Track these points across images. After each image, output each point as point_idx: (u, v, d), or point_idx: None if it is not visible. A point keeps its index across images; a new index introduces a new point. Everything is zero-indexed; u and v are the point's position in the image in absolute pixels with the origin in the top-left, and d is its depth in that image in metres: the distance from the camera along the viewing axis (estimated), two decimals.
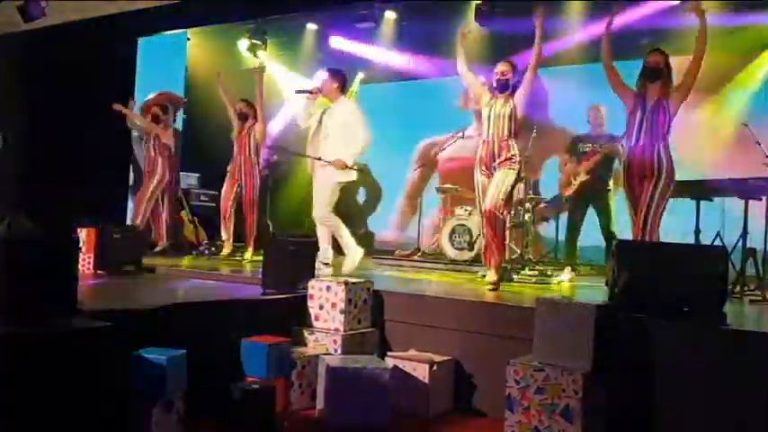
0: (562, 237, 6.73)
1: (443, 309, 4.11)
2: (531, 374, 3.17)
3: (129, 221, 7.65)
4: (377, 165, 10.03)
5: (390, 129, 9.87)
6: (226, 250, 6.63)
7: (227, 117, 6.93)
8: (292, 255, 4.36)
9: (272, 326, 3.84)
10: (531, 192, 7.02)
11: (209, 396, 3.25)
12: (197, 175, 8.58)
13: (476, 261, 7.11)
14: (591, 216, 5.98)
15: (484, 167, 4.88)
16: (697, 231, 5.17)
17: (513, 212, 7.07)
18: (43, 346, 2.57)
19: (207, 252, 6.88)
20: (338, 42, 9.14)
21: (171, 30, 8.67)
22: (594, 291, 5.07)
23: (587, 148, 5.88)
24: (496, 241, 4.84)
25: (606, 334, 3.18)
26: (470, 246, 7.22)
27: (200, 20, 8.28)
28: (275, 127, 9.23)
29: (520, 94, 4.80)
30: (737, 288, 4.80)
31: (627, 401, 3.29)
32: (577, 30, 7.81)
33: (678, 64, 4.62)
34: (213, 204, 7.99)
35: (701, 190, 5.24)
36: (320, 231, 5.41)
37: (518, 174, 4.87)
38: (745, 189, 4.94)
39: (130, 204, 9.42)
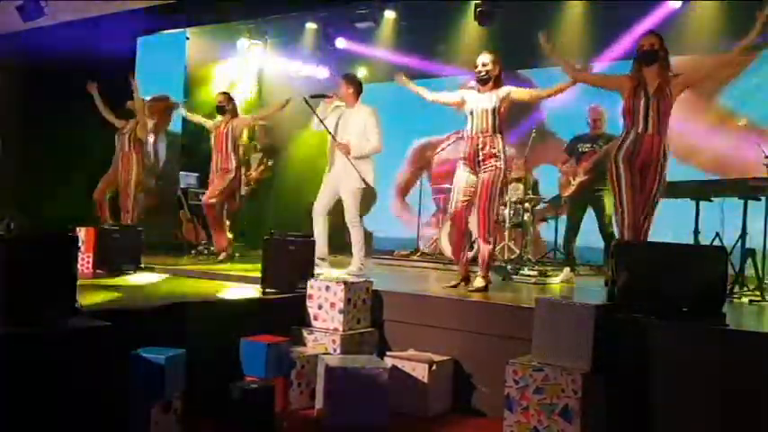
0: (561, 237, 6.75)
1: (443, 308, 4.11)
2: (531, 374, 3.17)
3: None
4: (377, 164, 10.05)
5: (387, 128, 9.91)
6: (223, 255, 6.28)
7: None
8: (291, 254, 4.35)
9: (271, 325, 3.84)
10: (530, 192, 7.02)
11: (207, 396, 3.25)
12: (196, 174, 8.57)
13: (475, 261, 7.11)
14: (590, 216, 5.99)
15: (467, 164, 4.62)
16: (696, 232, 5.17)
17: (513, 212, 7.08)
18: (42, 345, 2.57)
19: (206, 252, 6.87)
20: (343, 43, 9.14)
21: (170, 29, 8.66)
22: (594, 291, 5.07)
23: (586, 149, 5.89)
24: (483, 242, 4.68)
25: (605, 334, 3.18)
26: (470, 246, 7.22)
27: (199, 19, 8.27)
28: None
29: (509, 92, 4.57)
30: (737, 288, 4.80)
31: (626, 401, 3.29)
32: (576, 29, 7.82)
33: (680, 64, 4.56)
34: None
35: (700, 190, 5.24)
36: (317, 228, 5.42)
37: (504, 171, 4.64)
38: (745, 189, 4.94)
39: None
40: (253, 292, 4.32)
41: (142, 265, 5.38)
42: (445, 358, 3.87)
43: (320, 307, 4.08)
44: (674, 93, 4.14)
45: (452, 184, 4.75)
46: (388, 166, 9.59)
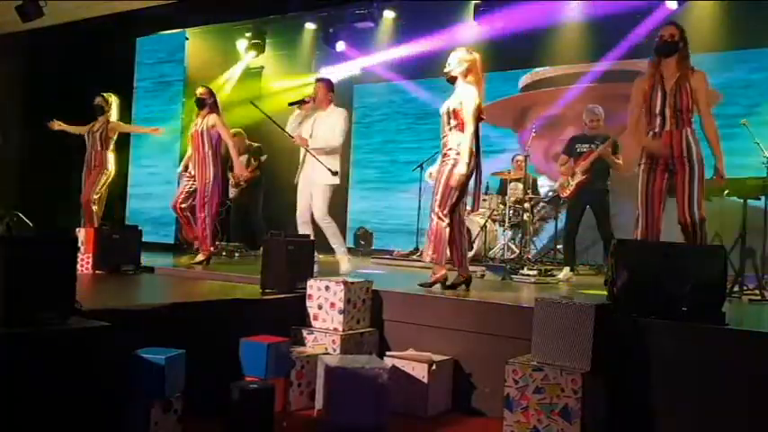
0: (560, 237, 6.75)
1: (442, 308, 4.11)
2: (530, 374, 3.17)
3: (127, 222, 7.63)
4: (374, 164, 10.06)
5: (387, 128, 9.92)
6: (200, 256, 5.97)
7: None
8: (291, 254, 4.35)
9: (271, 326, 3.84)
10: (530, 191, 7.03)
11: (207, 396, 3.25)
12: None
13: (474, 260, 7.12)
14: (589, 216, 5.98)
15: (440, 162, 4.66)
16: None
17: (512, 212, 7.09)
18: (41, 345, 2.57)
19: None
20: (343, 47, 9.15)
21: (170, 29, 8.67)
22: (593, 290, 5.07)
23: (584, 149, 5.89)
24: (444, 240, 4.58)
25: (605, 334, 3.18)
26: (469, 245, 7.22)
27: (198, 20, 8.28)
28: None
29: (467, 92, 4.49)
30: (736, 288, 4.80)
31: (625, 401, 3.29)
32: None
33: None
34: None
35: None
36: (303, 231, 5.41)
37: (458, 167, 4.42)
38: (744, 189, 4.94)
39: (129, 204, 9.45)
40: (252, 292, 4.32)
41: (142, 265, 5.38)
42: (445, 358, 3.87)
43: (320, 307, 4.08)
44: (694, 89, 4.02)
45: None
46: (393, 167, 9.65)
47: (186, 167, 6.12)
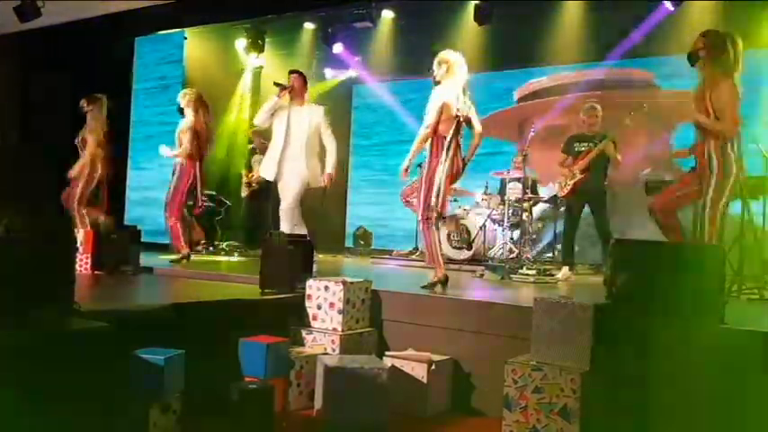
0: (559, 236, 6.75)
1: (442, 308, 4.11)
2: (529, 374, 3.17)
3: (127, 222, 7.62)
4: (374, 164, 10.06)
5: (386, 128, 9.92)
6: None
7: (225, 116, 6.89)
8: (290, 254, 4.35)
9: (271, 326, 3.84)
10: (528, 191, 7.03)
11: (207, 396, 3.25)
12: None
13: (474, 260, 7.13)
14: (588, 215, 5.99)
15: None
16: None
17: (511, 211, 7.09)
18: (41, 346, 2.57)
19: (204, 252, 6.87)
20: (340, 48, 9.16)
21: (168, 29, 8.67)
22: (592, 290, 5.08)
23: (583, 148, 5.88)
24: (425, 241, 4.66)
25: (604, 333, 3.18)
26: (469, 245, 7.24)
27: (197, 19, 8.28)
28: None
29: (436, 91, 4.56)
30: (735, 287, 4.80)
31: (624, 401, 3.29)
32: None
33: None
34: (212, 204, 8.00)
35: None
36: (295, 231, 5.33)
37: (444, 164, 4.46)
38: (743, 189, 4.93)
39: (129, 204, 9.44)
40: (252, 292, 4.32)
41: (141, 266, 5.37)
42: (444, 358, 3.87)
43: (319, 307, 4.08)
44: (710, 98, 4.02)
45: None
46: (392, 166, 9.63)
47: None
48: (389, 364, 3.72)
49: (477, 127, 4.59)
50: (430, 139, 4.53)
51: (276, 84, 5.65)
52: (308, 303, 4.13)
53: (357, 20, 8.69)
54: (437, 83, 4.62)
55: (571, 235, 5.94)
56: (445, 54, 4.63)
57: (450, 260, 7.07)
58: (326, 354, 3.88)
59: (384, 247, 8.83)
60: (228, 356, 3.40)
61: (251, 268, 5.21)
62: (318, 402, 3.75)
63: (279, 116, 5.55)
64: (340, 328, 3.97)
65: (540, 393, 3.14)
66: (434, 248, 4.56)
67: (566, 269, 5.87)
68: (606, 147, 5.72)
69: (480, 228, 7.29)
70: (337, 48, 9.11)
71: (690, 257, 3.46)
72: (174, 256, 6.00)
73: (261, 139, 7.79)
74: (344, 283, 4.03)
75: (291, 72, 5.77)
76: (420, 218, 4.56)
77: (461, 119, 4.53)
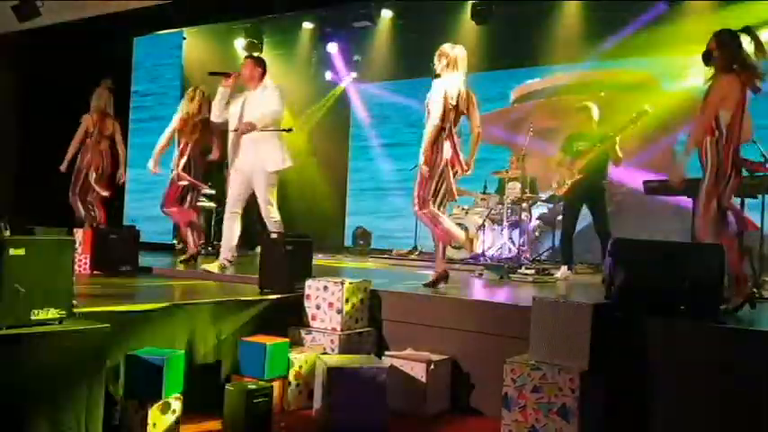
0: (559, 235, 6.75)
1: (441, 308, 4.12)
2: (528, 373, 3.17)
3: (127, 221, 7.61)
4: (373, 163, 10.07)
5: (386, 128, 9.92)
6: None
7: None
8: (289, 254, 4.35)
9: (270, 326, 3.84)
10: (528, 191, 7.03)
11: (206, 396, 3.26)
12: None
13: (473, 259, 7.13)
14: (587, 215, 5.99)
15: None
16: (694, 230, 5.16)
17: (510, 211, 7.10)
18: (40, 347, 2.57)
19: (204, 252, 6.86)
20: (335, 48, 9.16)
21: (167, 29, 8.66)
22: (591, 289, 5.08)
23: (582, 147, 5.88)
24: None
25: (602, 332, 3.19)
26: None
27: (196, 19, 8.28)
28: None
29: (437, 84, 4.53)
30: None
31: (624, 400, 3.29)
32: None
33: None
34: (212, 204, 8.00)
35: (696, 188, 5.22)
36: (231, 228, 5.18)
37: (426, 164, 4.47)
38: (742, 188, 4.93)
39: (128, 204, 9.45)
40: (251, 292, 4.32)
41: (139, 266, 5.37)
42: (443, 357, 3.87)
43: (318, 307, 4.08)
44: (716, 96, 3.95)
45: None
46: (391, 166, 9.65)
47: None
48: (389, 364, 3.72)
49: (476, 123, 4.59)
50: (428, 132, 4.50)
51: (213, 73, 5.34)
52: (307, 303, 4.13)
53: (356, 19, 8.70)
54: (437, 76, 4.61)
55: (569, 234, 5.94)
56: (446, 48, 4.64)
57: (449, 260, 7.08)
58: (326, 354, 3.88)
59: (383, 246, 8.84)
60: (228, 356, 3.41)
61: (250, 268, 5.21)
62: (318, 402, 3.75)
63: (234, 105, 5.16)
64: (339, 328, 3.98)
65: (539, 393, 3.14)
66: (444, 228, 4.53)
67: (564, 268, 5.87)
68: (607, 145, 5.71)
69: (479, 227, 7.30)
70: (330, 49, 9.12)
71: (689, 256, 3.47)
72: (182, 257, 5.97)
73: None
74: (344, 282, 4.04)
75: (246, 57, 5.46)
76: (417, 209, 4.55)
77: (459, 112, 4.54)
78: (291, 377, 3.70)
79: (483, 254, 7.22)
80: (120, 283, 4.82)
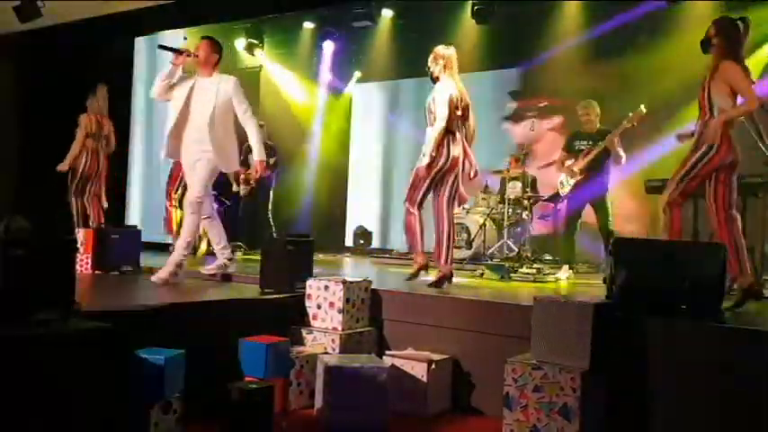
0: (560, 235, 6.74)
1: (441, 307, 4.12)
2: (529, 373, 3.17)
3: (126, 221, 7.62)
4: (373, 163, 10.06)
5: (385, 127, 9.92)
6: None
7: None
8: (290, 254, 4.35)
9: (271, 325, 3.84)
10: (528, 190, 7.03)
11: (207, 396, 3.25)
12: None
13: (474, 259, 7.13)
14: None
15: None
16: (695, 230, 5.16)
17: (510, 211, 7.10)
18: (41, 347, 2.57)
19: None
20: (331, 47, 9.16)
21: (168, 29, 8.65)
22: (592, 288, 5.08)
23: (584, 146, 5.87)
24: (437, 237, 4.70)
25: (604, 332, 3.19)
26: (468, 244, 7.24)
27: (197, 19, 8.27)
28: None
29: (441, 86, 4.60)
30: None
31: (625, 399, 3.30)
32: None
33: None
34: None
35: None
36: (194, 224, 4.68)
37: (422, 161, 4.55)
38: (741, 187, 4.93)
39: (128, 204, 9.45)
40: (252, 292, 4.32)
41: (141, 266, 5.37)
42: (444, 357, 3.88)
43: (319, 306, 4.08)
44: (716, 81, 3.96)
45: None
46: (390, 165, 9.64)
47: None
48: (389, 364, 3.72)
49: (472, 123, 4.63)
50: (428, 133, 4.56)
51: (162, 47, 4.74)
52: (307, 303, 4.13)
53: (357, 19, 8.70)
54: (436, 78, 4.66)
55: (571, 233, 5.93)
56: (440, 49, 4.69)
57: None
58: (326, 353, 3.89)
59: (383, 246, 8.84)
60: (228, 356, 3.41)
61: (250, 268, 5.21)
62: (318, 402, 3.75)
63: (180, 89, 4.65)
64: (340, 328, 3.98)
65: (540, 392, 3.14)
66: (410, 236, 4.70)
67: (566, 268, 5.87)
68: (608, 144, 5.71)
69: (480, 227, 7.30)
70: (326, 48, 9.13)
71: (690, 256, 3.47)
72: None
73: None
74: (344, 282, 4.04)
75: (203, 38, 4.81)
76: (410, 208, 4.64)
77: (462, 113, 4.60)
78: (292, 377, 3.71)
79: (483, 254, 7.23)
80: (122, 282, 4.82)
